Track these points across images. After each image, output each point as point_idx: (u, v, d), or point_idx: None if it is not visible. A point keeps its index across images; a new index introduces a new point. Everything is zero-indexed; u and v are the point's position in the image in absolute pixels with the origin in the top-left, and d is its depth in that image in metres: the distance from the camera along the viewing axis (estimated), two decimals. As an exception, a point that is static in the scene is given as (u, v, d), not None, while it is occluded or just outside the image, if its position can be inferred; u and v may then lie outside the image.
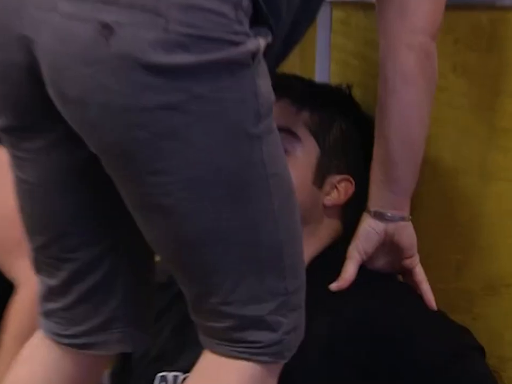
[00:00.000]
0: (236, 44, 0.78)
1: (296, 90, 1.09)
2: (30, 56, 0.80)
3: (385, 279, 1.06)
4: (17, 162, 0.92)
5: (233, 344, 0.85)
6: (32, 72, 0.80)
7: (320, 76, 1.16)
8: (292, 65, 1.12)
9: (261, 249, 0.86)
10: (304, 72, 1.14)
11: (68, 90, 0.79)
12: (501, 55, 1.01)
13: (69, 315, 0.96)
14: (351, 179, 1.07)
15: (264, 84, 0.82)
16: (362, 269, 1.02)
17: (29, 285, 1.21)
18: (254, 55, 0.80)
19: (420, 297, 1.03)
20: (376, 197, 1.05)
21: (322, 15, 1.15)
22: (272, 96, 0.83)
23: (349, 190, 1.08)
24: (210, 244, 0.84)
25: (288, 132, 1.04)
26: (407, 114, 1.02)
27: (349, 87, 1.12)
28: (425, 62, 1.00)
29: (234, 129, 0.82)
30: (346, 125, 1.08)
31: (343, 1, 1.17)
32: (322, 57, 1.17)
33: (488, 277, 1.05)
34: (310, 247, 1.04)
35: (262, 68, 0.82)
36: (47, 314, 0.98)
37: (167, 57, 0.75)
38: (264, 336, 0.85)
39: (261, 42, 0.81)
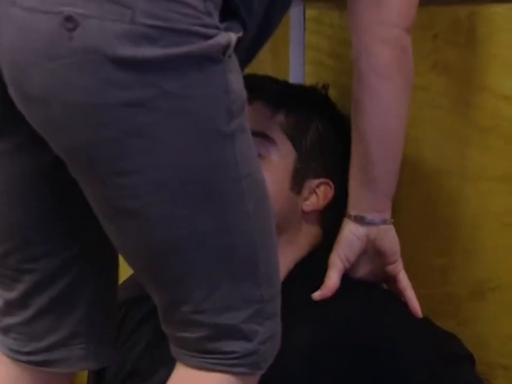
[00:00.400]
0: (206, 37, 0.75)
1: (270, 92, 1.05)
2: None
3: (368, 287, 1.03)
4: None
5: (208, 355, 0.82)
6: None
7: (294, 76, 1.13)
8: (265, 66, 1.09)
9: (235, 254, 0.82)
10: (277, 73, 1.10)
11: (29, 88, 0.75)
12: (481, 50, 0.98)
13: (28, 330, 0.92)
14: (330, 182, 1.03)
15: (236, 80, 0.78)
16: (345, 276, 0.98)
17: None
18: (225, 49, 0.76)
19: (404, 305, 0.99)
20: (356, 200, 1.01)
21: (295, 14, 1.12)
22: (244, 93, 0.79)
23: (328, 194, 1.03)
24: (181, 250, 0.80)
25: (262, 135, 0.99)
26: (384, 110, 0.98)
27: (325, 87, 1.07)
28: (401, 57, 0.97)
29: (205, 127, 0.78)
30: (323, 126, 1.04)
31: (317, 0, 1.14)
32: (296, 57, 1.14)
33: (474, 281, 1.02)
34: (289, 255, 1.01)
35: (233, 63, 0.79)
36: (5, 330, 0.94)
37: (133, 50, 0.72)
38: (239, 346, 0.82)
39: (232, 36, 0.78)
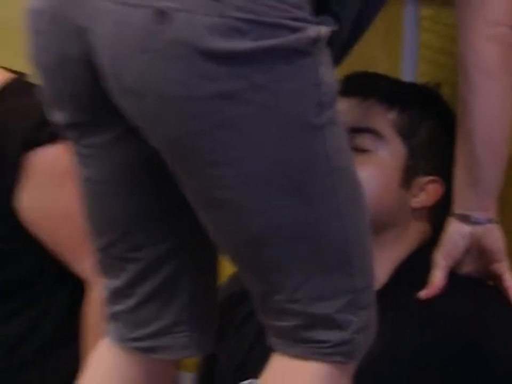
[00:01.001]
0: (295, 30, 0.76)
1: (384, 89, 1.07)
2: (86, 49, 0.79)
3: (474, 283, 1.04)
4: (81, 159, 0.91)
5: (303, 344, 0.84)
6: (88, 66, 0.80)
7: (407, 74, 1.14)
8: (378, 63, 1.13)
9: (326, 246, 0.84)
10: (390, 70, 1.12)
11: (125, 80, 0.78)
12: None
13: (133, 317, 0.97)
14: (440, 180, 1.04)
15: (327, 73, 0.79)
16: (451, 273, 0.99)
17: (100, 284, 1.25)
18: (314, 42, 0.77)
19: (509, 303, 1.00)
20: (461, 199, 1.02)
21: (410, 12, 1.14)
22: (336, 85, 0.80)
23: (438, 191, 1.04)
24: (272, 240, 0.83)
25: (373, 131, 1.02)
26: (490, 111, 0.99)
27: (437, 85, 1.08)
28: (509, 55, 0.97)
29: (295, 120, 0.79)
30: (435, 125, 1.06)
31: (431, -2, 1.14)
32: (410, 55, 1.15)
33: None
34: (397, 251, 1.04)
35: (325, 56, 0.80)
36: (113, 317, 0.99)
37: (224, 42, 0.73)
38: (334, 335, 0.83)
39: (323, 30, 0.78)
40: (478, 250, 1.02)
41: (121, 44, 0.76)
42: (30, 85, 1.03)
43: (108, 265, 0.96)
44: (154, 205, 0.92)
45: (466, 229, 1.00)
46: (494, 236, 1.01)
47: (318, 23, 0.77)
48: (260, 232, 0.81)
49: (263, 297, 0.85)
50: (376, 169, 1.01)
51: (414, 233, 1.07)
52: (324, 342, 0.82)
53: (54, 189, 1.32)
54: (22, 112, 1.25)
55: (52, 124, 0.97)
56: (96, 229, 0.95)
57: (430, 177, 1.04)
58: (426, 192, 1.05)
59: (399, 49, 1.17)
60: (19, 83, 1.26)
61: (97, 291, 1.24)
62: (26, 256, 1.41)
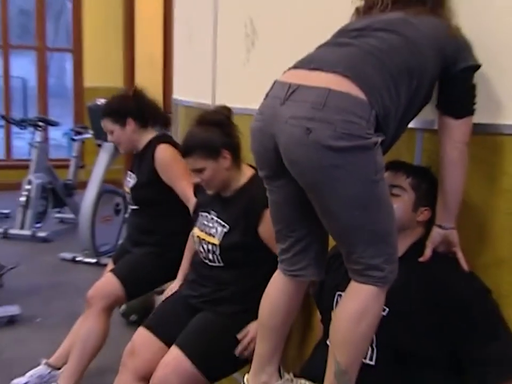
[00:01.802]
0: (367, 138, 1.32)
1: (405, 167, 1.65)
2: (275, 143, 1.39)
3: (445, 257, 1.58)
4: (270, 192, 1.54)
5: (365, 277, 1.41)
6: (276, 151, 1.40)
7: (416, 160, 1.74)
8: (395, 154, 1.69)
9: (378, 231, 1.40)
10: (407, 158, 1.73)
11: (290, 158, 1.37)
12: None
13: (290, 261, 1.59)
14: (430, 209, 1.62)
15: (380, 158, 1.35)
16: (434, 251, 1.56)
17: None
18: (375, 144, 1.33)
19: (459, 265, 1.54)
20: (439, 216, 1.57)
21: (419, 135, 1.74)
22: (383, 163, 1.36)
23: (429, 214, 1.63)
24: (352, 229, 1.40)
25: (401, 187, 1.62)
26: (452, 180, 1.52)
27: (429, 168, 1.64)
28: (463, 156, 1.50)
29: (365, 177, 1.35)
30: (427, 185, 1.63)
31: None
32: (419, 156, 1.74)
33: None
34: (409, 239, 1.65)
35: (379, 150, 1.34)
36: (281, 261, 1.61)
37: (335, 142, 1.30)
38: (379, 274, 1.41)
39: (379, 139, 1.34)
40: (446, 241, 1.57)
41: (290, 143, 1.36)
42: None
43: (281, 238, 1.60)
44: (300, 212, 1.52)
45: (441, 231, 1.56)
46: (453, 235, 1.56)
47: (377, 135, 1.33)
48: (347, 225, 1.40)
49: (347, 255, 1.43)
50: (402, 204, 1.59)
51: (417, 232, 1.66)
52: (374, 276, 1.41)
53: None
54: (258, 189, 1.83)
55: None
56: (275, 221, 1.59)
57: (425, 208, 1.63)
58: (423, 214, 1.64)
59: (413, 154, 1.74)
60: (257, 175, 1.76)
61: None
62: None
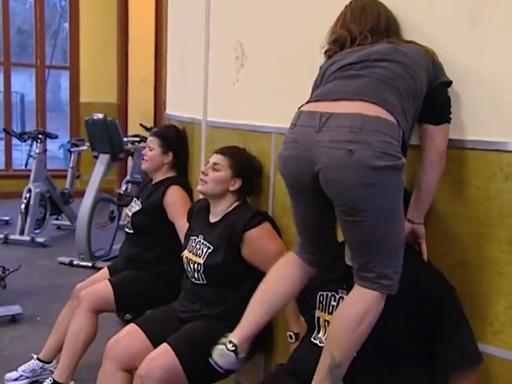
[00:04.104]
0: (399, 158, 1.42)
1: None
2: (311, 168, 1.47)
3: (416, 258, 1.65)
4: (294, 204, 1.65)
5: (376, 284, 1.48)
6: (311, 174, 1.47)
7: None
8: None
9: (395, 243, 1.49)
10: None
11: (330, 178, 1.44)
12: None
13: (303, 249, 1.71)
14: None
15: (403, 177, 1.45)
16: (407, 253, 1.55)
17: None
18: (403, 164, 1.43)
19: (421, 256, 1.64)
20: (411, 213, 1.65)
21: None
22: (404, 181, 1.46)
23: None
24: (379, 242, 1.47)
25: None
26: (429, 178, 1.61)
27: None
28: (441, 161, 1.60)
29: (394, 193, 1.45)
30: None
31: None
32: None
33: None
34: None
35: (403, 169, 1.45)
36: (296, 252, 1.74)
37: (375, 162, 1.38)
38: (388, 282, 1.48)
39: (404, 159, 1.45)
40: (414, 234, 1.66)
41: (331, 163, 1.41)
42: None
43: (299, 233, 1.70)
44: (316, 220, 1.64)
45: (409, 225, 1.65)
46: (421, 229, 1.65)
47: (403, 156, 1.44)
48: (373, 237, 1.46)
49: (364, 264, 1.48)
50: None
51: None
52: (383, 284, 1.47)
53: None
54: (242, 215, 2.14)
55: (260, 216, 2.01)
56: (296, 223, 1.69)
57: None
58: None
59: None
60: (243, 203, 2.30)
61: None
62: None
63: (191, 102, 2.84)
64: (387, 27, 1.68)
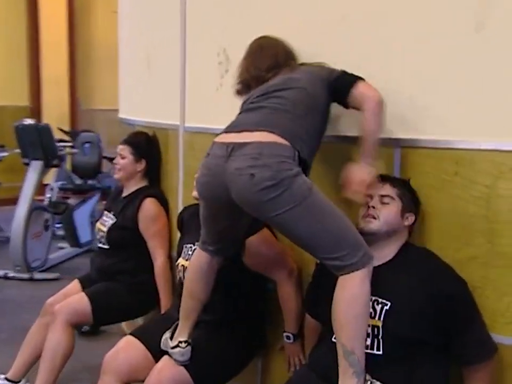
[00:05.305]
0: (293, 169, 1.62)
1: (391, 179, 1.79)
2: (225, 190, 1.67)
3: (430, 255, 1.74)
4: (208, 210, 1.88)
5: (345, 268, 1.60)
6: (225, 195, 1.68)
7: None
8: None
9: (332, 231, 1.63)
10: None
11: (241, 200, 1.66)
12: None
13: (212, 246, 1.95)
14: (414, 214, 1.76)
15: (305, 178, 1.64)
16: (420, 252, 1.75)
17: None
18: (298, 171, 1.63)
19: None
20: (363, 160, 1.78)
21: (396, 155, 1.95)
22: (308, 182, 1.65)
23: (413, 219, 1.76)
24: (315, 239, 1.63)
25: (390, 196, 1.74)
26: (371, 125, 1.77)
27: (408, 179, 1.80)
28: (379, 106, 1.77)
29: (304, 192, 1.62)
30: (410, 193, 1.77)
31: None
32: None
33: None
34: (399, 242, 1.76)
35: (304, 175, 1.65)
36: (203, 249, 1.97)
37: (273, 180, 1.59)
38: (353, 259, 1.59)
39: (299, 168, 1.65)
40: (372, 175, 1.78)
41: (240, 188, 1.63)
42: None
43: (209, 235, 1.94)
44: (230, 224, 1.89)
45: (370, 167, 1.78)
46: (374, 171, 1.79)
47: (301, 169, 1.65)
48: (307, 237, 1.63)
49: (324, 258, 1.65)
50: (392, 210, 1.73)
51: (404, 235, 1.77)
52: (351, 264, 1.59)
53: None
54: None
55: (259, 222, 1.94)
56: (206, 229, 1.93)
57: (410, 213, 1.76)
58: (409, 219, 1.75)
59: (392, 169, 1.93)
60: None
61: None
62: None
63: (163, 106, 2.77)
64: (285, 60, 1.95)
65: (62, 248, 5.37)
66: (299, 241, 1.66)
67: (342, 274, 1.58)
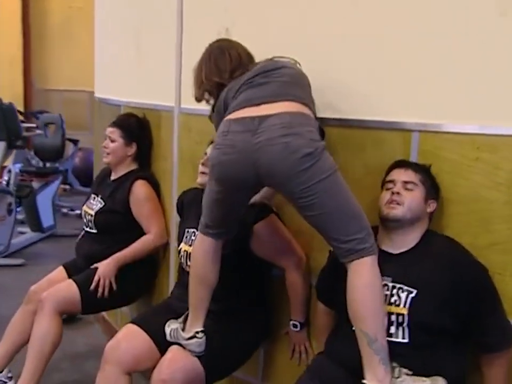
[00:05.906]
0: (321, 141, 1.65)
1: (413, 165, 1.75)
2: (253, 169, 1.66)
3: (451, 241, 1.71)
4: (219, 197, 1.83)
5: (356, 253, 1.59)
6: (254, 174, 1.66)
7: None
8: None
9: (348, 211, 1.63)
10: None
11: (274, 170, 1.62)
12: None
13: (213, 229, 1.91)
14: (436, 201, 1.73)
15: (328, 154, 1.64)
16: (442, 238, 1.72)
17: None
18: (324, 145, 1.63)
19: None
20: None
21: None
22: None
23: (435, 205, 1.73)
24: (332, 216, 1.62)
25: (413, 183, 1.71)
26: None
27: (429, 166, 1.75)
28: None
29: (330, 169, 1.61)
30: (431, 180, 1.74)
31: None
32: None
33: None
34: (421, 228, 1.74)
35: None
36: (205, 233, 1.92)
37: (308, 148, 1.58)
38: (365, 245, 1.60)
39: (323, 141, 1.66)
40: None
41: (274, 159, 1.61)
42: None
43: (212, 220, 1.91)
44: (234, 209, 1.87)
45: None
46: None
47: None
48: (325, 213, 1.60)
49: (336, 240, 1.62)
50: (416, 196, 1.69)
51: (426, 221, 1.74)
52: (363, 248, 1.59)
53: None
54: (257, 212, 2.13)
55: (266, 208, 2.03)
56: (210, 214, 1.90)
57: (433, 200, 1.73)
58: (431, 205, 1.73)
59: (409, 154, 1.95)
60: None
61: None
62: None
63: (156, 87, 2.65)
64: (248, 60, 1.91)
65: (22, 233, 5.14)
66: (320, 217, 1.60)
67: (351, 260, 1.56)
